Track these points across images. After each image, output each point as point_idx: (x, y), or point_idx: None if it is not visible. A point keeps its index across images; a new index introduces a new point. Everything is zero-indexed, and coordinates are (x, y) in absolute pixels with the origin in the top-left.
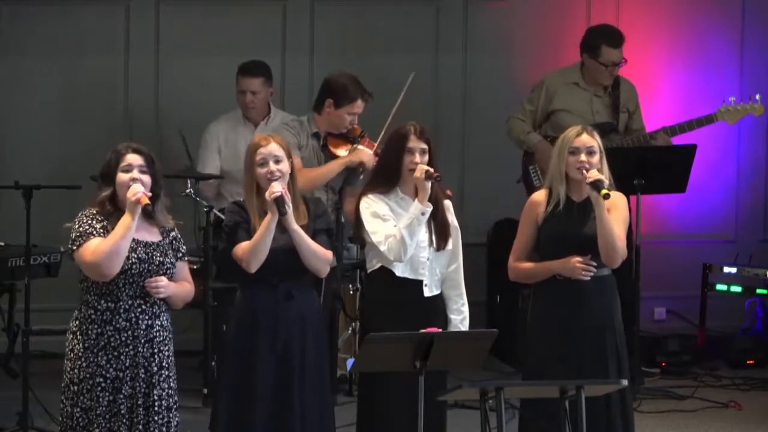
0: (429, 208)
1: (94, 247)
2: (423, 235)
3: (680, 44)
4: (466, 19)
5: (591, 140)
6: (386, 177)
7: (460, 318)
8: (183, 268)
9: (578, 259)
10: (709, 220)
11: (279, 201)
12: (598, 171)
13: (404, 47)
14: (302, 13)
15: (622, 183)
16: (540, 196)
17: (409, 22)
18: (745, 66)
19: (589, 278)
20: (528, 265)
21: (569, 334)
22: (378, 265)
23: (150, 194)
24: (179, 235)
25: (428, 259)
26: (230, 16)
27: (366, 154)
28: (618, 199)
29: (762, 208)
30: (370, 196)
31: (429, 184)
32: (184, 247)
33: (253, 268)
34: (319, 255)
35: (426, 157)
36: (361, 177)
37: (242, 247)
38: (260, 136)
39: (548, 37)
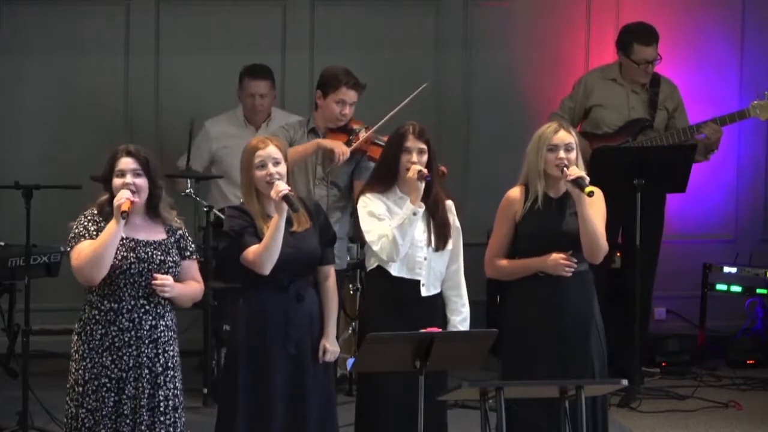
0: (421, 209)
1: (79, 251)
2: (421, 234)
3: (680, 44)
4: (466, 19)
5: (569, 137)
6: (384, 176)
7: (459, 318)
8: (191, 267)
9: (561, 255)
10: (709, 220)
11: (288, 199)
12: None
13: (404, 47)
14: (302, 13)
15: (622, 183)
16: (516, 192)
17: (410, 21)
18: (745, 66)
19: (570, 274)
20: (508, 262)
21: (553, 331)
22: (375, 264)
23: (135, 200)
24: (187, 234)
25: (425, 259)
26: (230, 16)
27: (336, 143)
28: (595, 194)
29: (762, 208)
30: (368, 194)
31: (422, 185)
32: (193, 246)
33: (267, 270)
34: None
35: (424, 157)
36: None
37: (253, 251)
38: (258, 138)
39: (548, 37)
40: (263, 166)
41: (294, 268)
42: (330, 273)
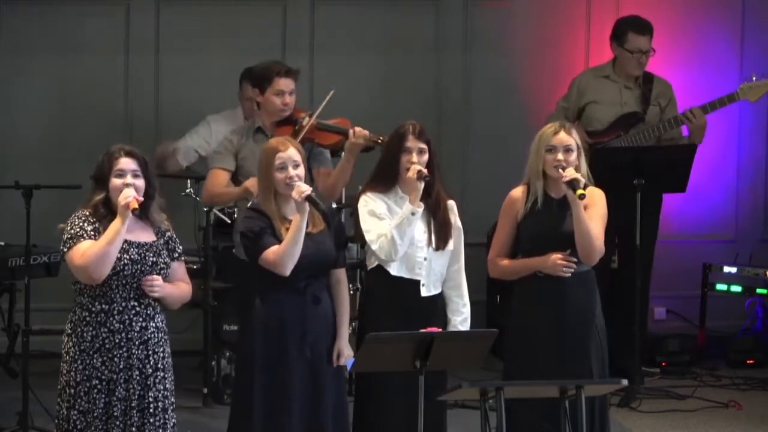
0: (420, 209)
1: (83, 251)
2: (421, 234)
3: (680, 44)
4: (466, 19)
5: (568, 138)
6: (385, 176)
7: (460, 319)
8: (179, 269)
9: (558, 255)
10: (709, 220)
11: (312, 199)
12: (575, 169)
13: (404, 47)
14: (302, 13)
15: (622, 183)
16: (518, 192)
17: (410, 21)
18: (745, 65)
19: (570, 275)
20: (508, 262)
21: (553, 330)
22: (375, 264)
23: (141, 199)
24: (174, 235)
25: (425, 259)
26: (230, 16)
27: (251, 182)
28: (596, 195)
29: (762, 208)
30: (368, 194)
31: (421, 185)
32: (180, 248)
33: (288, 270)
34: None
35: (424, 157)
36: (328, 157)
37: (274, 251)
38: (277, 140)
39: (548, 37)
40: (283, 168)
41: (312, 269)
42: (342, 276)
